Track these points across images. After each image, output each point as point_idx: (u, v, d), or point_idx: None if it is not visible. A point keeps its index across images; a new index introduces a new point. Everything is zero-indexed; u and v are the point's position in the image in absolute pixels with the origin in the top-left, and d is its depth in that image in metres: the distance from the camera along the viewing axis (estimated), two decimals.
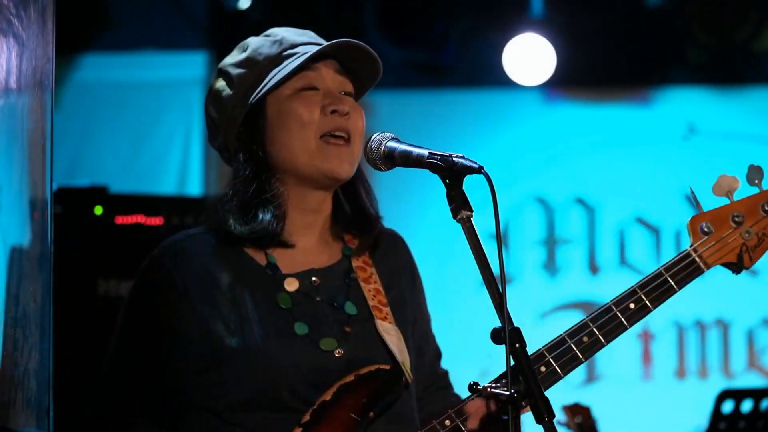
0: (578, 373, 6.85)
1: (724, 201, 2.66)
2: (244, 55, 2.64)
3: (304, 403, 2.49)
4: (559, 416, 4.65)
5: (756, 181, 2.64)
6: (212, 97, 2.67)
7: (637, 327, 7.18)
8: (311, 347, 2.52)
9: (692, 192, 2.65)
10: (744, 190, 2.67)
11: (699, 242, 2.63)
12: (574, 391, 6.61)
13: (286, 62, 2.59)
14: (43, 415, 2.47)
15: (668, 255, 2.54)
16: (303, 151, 2.57)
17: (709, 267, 2.63)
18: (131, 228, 5.31)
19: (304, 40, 2.64)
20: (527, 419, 2.22)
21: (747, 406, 4.98)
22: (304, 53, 2.59)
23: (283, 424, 2.47)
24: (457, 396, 2.72)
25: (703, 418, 5.12)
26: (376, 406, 2.52)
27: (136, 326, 2.58)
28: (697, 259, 2.62)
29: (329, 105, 2.58)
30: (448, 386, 2.79)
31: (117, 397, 2.55)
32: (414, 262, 2.79)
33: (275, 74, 2.59)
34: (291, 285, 2.59)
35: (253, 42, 2.66)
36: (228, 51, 2.74)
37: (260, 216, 2.56)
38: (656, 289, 2.60)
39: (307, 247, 2.64)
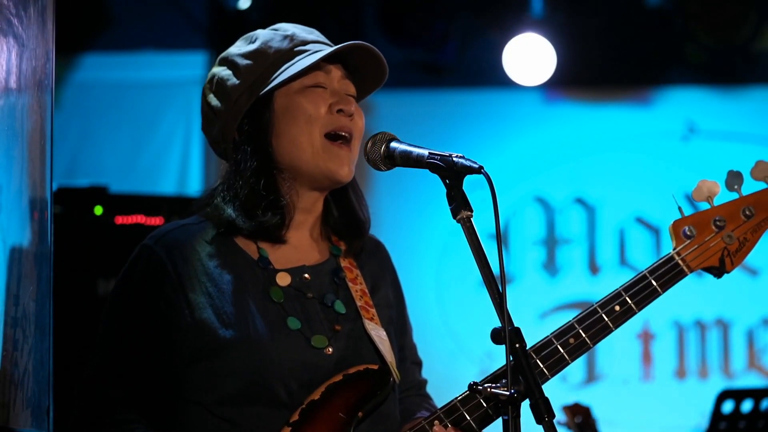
0: (578, 373, 6.92)
1: (705, 206, 2.68)
2: (253, 47, 2.63)
3: (293, 400, 2.49)
4: (559, 416, 4.65)
5: (735, 187, 2.68)
6: (215, 85, 2.65)
7: (637, 327, 7.22)
8: (303, 343, 2.53)
9: (674, 198, 2.68)
10: (723, 197, 2.68)
11: (682, 246, 2.66)
12: (574, 391, 6.61)
13: (297, 58, 2.59)
14: (43, 415, 2.47)
15: None
16: (308, 146, 2.57)
17: (692, 270, 2.65)
18: (131, 228, 5.32)
19: (313, 38, 2.65)
20: (527, 419, 2.22)
21: (747, 406, 4.98)
22: (316, 51, 2.60)
23: (271, 421, 2.47)
24: (434, 405, 2.72)
25: (703, 418, 5.12)
26: (365, 405, 2.52)
27: (128, 316, 2.56)
28: (680, 262, 2.64)
29: (336, 104, 2.59)
30: (426, 395, 2.80)
31: (107, 391, 2.53)
32: (396, 271, 2.80)
33: (287, 68, 2.59)
34: (283, 280, 2.59)
35: (263, 34, 2.65)
36: None
37: (269, 212, 2.56)
38: (640, 291, 2.62)
39: (297, 243, 2.64)
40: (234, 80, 2.61)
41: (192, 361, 2.51)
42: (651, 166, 7.02)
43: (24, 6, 2.39)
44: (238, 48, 2.66)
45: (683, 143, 7.03)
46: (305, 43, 2.62)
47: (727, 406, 4.97)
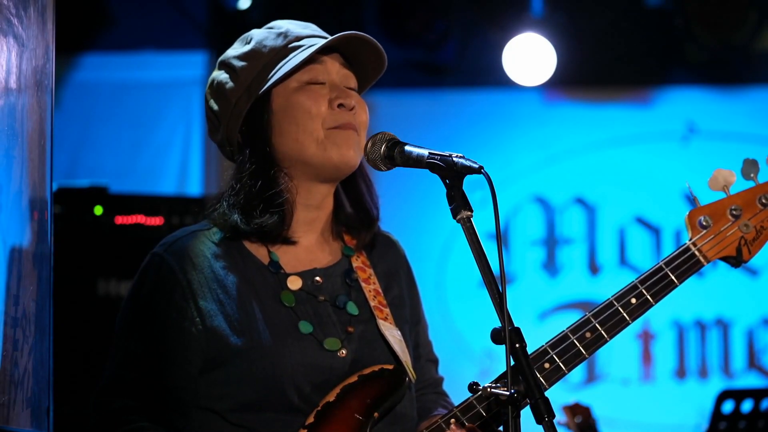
0: (578, 373, 6.92)
1: (721, 195, 2.66)
2: (248, 48, 2.61)
3: (308, 404, 2.47)
4: (559, 416, 4.65)
5: (752, 175, 2.65)
6: (214, 89, 2.64)
7: (637, 327, 7.20)
8: (316, 346, 2.51)
9: (689, 187, 2.66)
10: (739, 185, 2.67)
11: (698, 236, 2.63)
12: (574, 391, 6.61)
13: (291, 55, 2.57)
14: (43, 415, 2.47)
15: None
16: (311, 142, 2.54)
17: (708, 261, 2.63)
18: (131, 228, 5.32)
19: (308, 33, 2.63)
20: (527, 419, 2.22)
21: (747, 406, 4.98)
22: (310, 45, 2.57)
23: (287, 426, 2.46)
24: (451, 403, 2.71)
25: (703, 418, 5.12)
26: (381, 406, 2.51)
27: (140, 325, 2.55)
28: (696, 253, 2.62)
29: (336, 99, 2.57)
30: (443, 393, 2.78)
31: (121, 399, 2.50)
32: (410, 267, 2.78)
33: (282, 66, 2.57)
34: (294, 283, 2.57)
35: (257, 34, 2.64)
36: None
37: (267, 213, 2.54)
38: (657, 283, 2.59)
39: (309, 245, 2.63)
40: (232, 84, 2.60)
41: (204, 369, 2.50)
42: (651, 166, 7.03)
43: (24, 6, 2.39)
44: (235, 50, 2.64)
45: (683, 143, 7.03)
46: (300, 38, 2.60)
47: (727, 406, 4.96)
